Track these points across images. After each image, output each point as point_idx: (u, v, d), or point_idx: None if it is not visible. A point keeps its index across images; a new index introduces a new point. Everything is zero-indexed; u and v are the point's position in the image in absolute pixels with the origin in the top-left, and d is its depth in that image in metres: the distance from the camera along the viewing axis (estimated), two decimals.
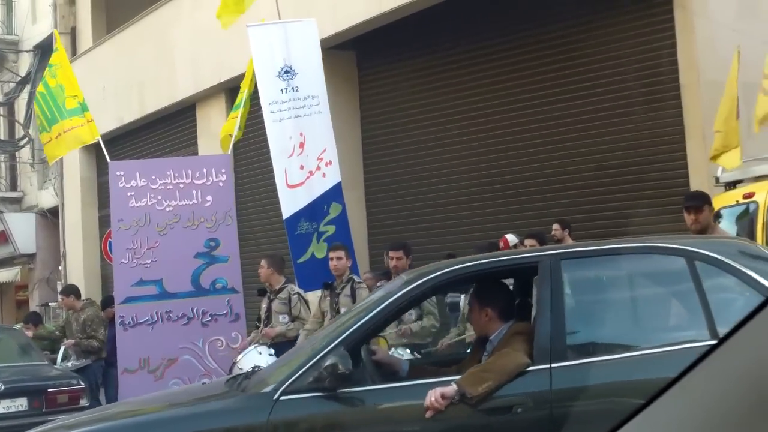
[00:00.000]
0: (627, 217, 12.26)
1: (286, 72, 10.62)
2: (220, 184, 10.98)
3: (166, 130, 20.54)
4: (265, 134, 10.91)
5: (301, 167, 10.49)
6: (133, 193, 10.80)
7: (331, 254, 8.82)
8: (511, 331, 4.96)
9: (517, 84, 13.76)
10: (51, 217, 27.01)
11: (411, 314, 8.10)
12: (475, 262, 5.29)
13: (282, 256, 10.52)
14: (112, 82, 21.30)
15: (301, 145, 10.53)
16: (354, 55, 15.87)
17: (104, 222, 22.31)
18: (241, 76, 16.79)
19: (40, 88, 11.54)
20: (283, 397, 4.60)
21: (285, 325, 9.56)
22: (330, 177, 10.53)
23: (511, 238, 10.55)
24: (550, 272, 4.79)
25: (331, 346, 4.72)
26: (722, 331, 4.35)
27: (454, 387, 4.47)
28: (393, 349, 7.54)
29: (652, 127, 12.19)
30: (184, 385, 9.51)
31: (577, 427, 4.49)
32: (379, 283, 8.90)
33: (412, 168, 14.96)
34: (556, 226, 10.95)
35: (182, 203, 10.86)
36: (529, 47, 13.61)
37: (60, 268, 24.78)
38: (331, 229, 10.50)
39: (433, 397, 4.41)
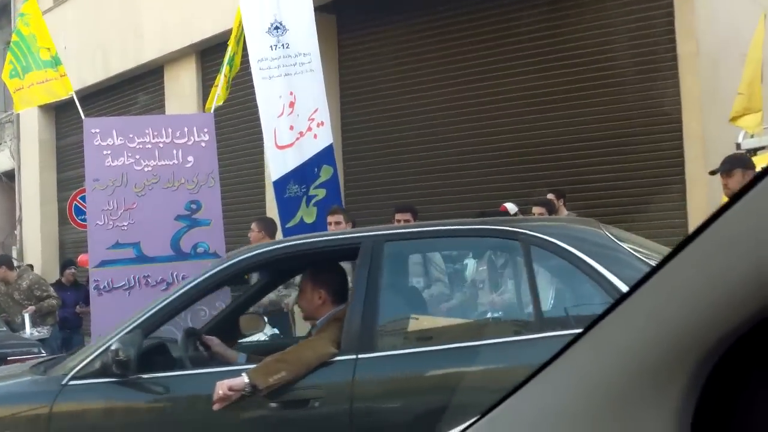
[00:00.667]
0: (620, 188, 11.96)
1: (276, 28, 10.09)
2: (203, 144, 10.41)
3: (131, 93, 19.82)
4: (250, 93, 10.39)
5: (291, 128, 10.00)
6: (109, 152, 10.21)
7: (329, 218, 8.34)
8: (333, 316, 4.67)
9: (505, 51, 13.35)
10: (6, 180, 26.08)
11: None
12: (294, 243, 5.02)
13: (273, 219, 10.00)
14: (75, 43, 20.47)
15: (291, 104, 10.02)
16: (335, 18, 15.32)
17: (64, 186, 21.56)
18: (214, 38, 16.37)
19: (13, 37, 10.84)
20: (71, 382, 4.54)
21: (278, 293, 8.99)
22: (321, 138, 10.04)
23: (511, 206, 10.15)
24: (370, 255, 4.47)
25: (124, 331, 4.63)
26: (551, 321, 4.28)
27: (243, 378, 4.20)
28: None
29: (647, 98, 11.87)
30: None
31: (380, 424, 4.18)
32: None
33: (392, 135, 14.49)
34: (550, 195, 10.57)
35: (162, 163, 10.29)
36: (518, 13, 13.19)
37: (15, 232, 23.95)
38: (321, 193, 10.03)
39: (220, 389, 4.18)
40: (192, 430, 4.50)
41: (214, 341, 5.27)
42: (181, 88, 17.84)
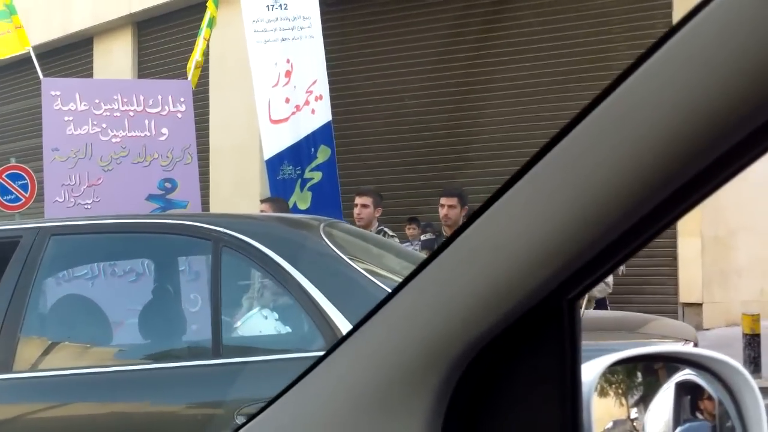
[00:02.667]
0: None
1: None
2: (179, 115, 9.18)
3: (54, 67, 18.08)
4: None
5: (287, 100, 8.86)
6: (71, 119, 8.88)
7: (357, 200, 7.20)
8: None
9: (492, 37, 12.52)
10: None
11: None
12: None
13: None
14: None
15: (288, 74, 8.88)
16: None
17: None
18: (156, 8, 15.00)
19: None
20: None
21: None
22: (320, 114, 8.92)
23: None
24: (28, 251, 3.78)
25: None
26: (232, 343, 3.73)
27: None
28: None
29: None
30: None
31: None
32: (424, 236, 7.37)
33: (374, 113, 13.41)
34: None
35: (132, 134, 9.03)
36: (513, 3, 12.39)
37: None
38: (317, 176, 8.92)
39: None
40: None
41: None
42: (112, 64, 16.39)
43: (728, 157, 0.79)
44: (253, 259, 3.60)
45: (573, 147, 0.85)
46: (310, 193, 8.86)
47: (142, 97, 9.13)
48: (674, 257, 11.71)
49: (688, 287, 11.65)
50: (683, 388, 1.30)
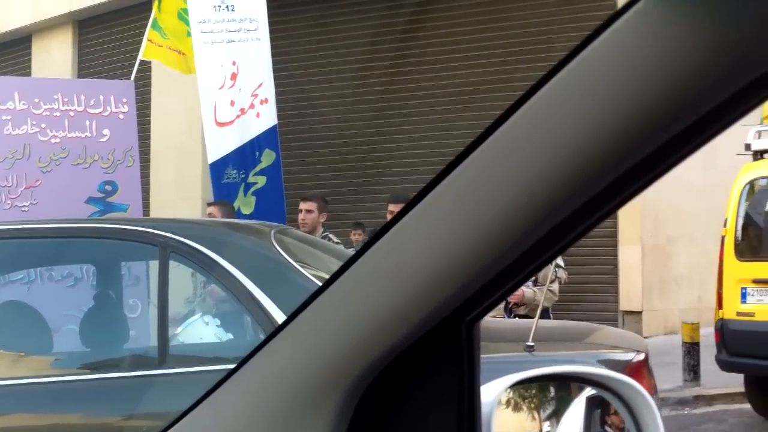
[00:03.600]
0: None
1: None
2: (121, 116, 9.01)
3: None
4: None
5: (232, 103, 8.75)
6: (9, 117, 8.66)
7: (301, 205, 7.13)
8: None
9: (430, 43, 12.50)
10: None
11: None
12: None
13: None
14: None
15: (234, 76, 8.77)
16: None
17: None
18: (98, 7, 14.75)
19: None
20: None
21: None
22: (265, 118, 8.83)
23: None
24: None
25: None
26: (179, 353, 3.68)
27: None
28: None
29: None
30: None
31: None
32: None
33: (321, 117, 13.30)
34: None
35: (72, 135, 8.84)
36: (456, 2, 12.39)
37: None
38: (261, 181, 8.82)
39: None
40: None
41: None
42: (51, 62, 16.05)
43: (619, 182, 0.79)
44: (201, 266, 3.52)
45: (470, 171, 0.84)
46: (254, 198, 8.76)
47: (83, 97, 8.93)
48: (615, 265, 11.83)
49: (628, 295, 11.77)
50: (593, 402, 1.33)
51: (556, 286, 6.59)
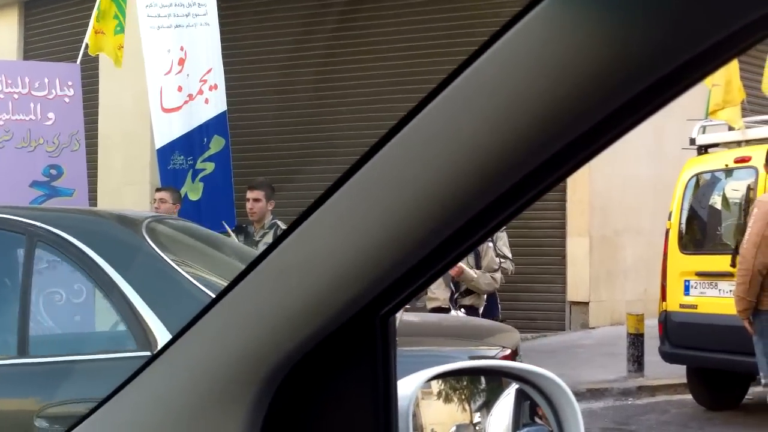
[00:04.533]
0: None
1: None
2: (66, 99, 8.89)
3: None
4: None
5: (180, 89, 8.64)
6: None
7: (249, 194, 7.06)
8: None
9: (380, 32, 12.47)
10: None
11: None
12: None
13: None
14: None
15: (181, 61, 8.66)
16: None
17: None
18: None
19: None
20: None
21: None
22: (214, 104, 8.74)
23: None
24: None
25: None
26: (42, 341, 3.64)
27: None
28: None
29: None
30: None
31: None
32: None
33: (270, 104, 13.20)
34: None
35: (16, 118, 8.72)
36: None
37: None
38: (209, 167, 8.74)
39: None
40: None
41: None
42: None
43: (527, 181, 0.79)
44: (68, 256, 3.45)
45: (378, 167, 0.85)
46: (201, 184, 8.68)
47: (27, 79, 8.80)
48: (563, 256, 11.90)
49: (576, 286, 11.86)
50: (523, 394, 1.35)
51: (499, 276, 6.60)
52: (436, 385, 1.30)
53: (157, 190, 7.77)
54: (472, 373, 1.43)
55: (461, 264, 6.01)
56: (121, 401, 1.11)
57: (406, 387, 1.16)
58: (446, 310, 6.38)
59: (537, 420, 1.37)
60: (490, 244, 6.55)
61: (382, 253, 0.86)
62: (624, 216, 12.01)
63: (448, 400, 1.31)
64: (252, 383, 0.97)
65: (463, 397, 1.35)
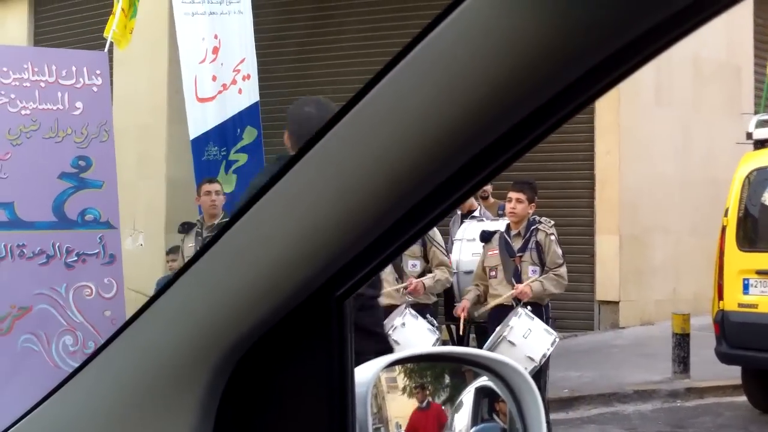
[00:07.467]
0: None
1: None
2: (94, 88, 8.61)
3: None
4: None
5: (214, 78, 8.44)
6: None
7: (206, 186, 7.08)
8: None
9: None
10: None
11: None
12: None
13: None
14: None
15: (215, 50, 8.44)
16: None
17: None
18: None
19: None
20: None
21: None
22: (247, 94, 8.55)
23: None
24: None
25: None
26: None
27: None
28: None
29: None
30: None
31: None
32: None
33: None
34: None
35: (43, 107, 8.42)
36: None
37: None
38: (242, 158, 8.55)
39: None
40: None
41: None
42: (6, 34, 15.43)
43: (478, 161, 0.79)
44: None
45: (333, 145, 0.84)
46: (235, 176, 8.50)
47: (54, 67, 8.51)
48: (592, 255, 11.68)
49: (605, 285, 11.64)
50: (483, 391, 1.38)
51: (564, 270, 6.39)
52: (400, 377, 1.31)
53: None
54: (432, 359, 1.44)
55: (523, 287, 5.85)
56: (76, 385, 1.11)
57: (365, 373, 1.15)
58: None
59: (495, 417, 1.38)
60: (553, 238, 6.34)
61: (335, 233, 0.85)
62: (653, 214, 11.81)
63: (396, 389, 1.31)
64: (207, 364, 0.97)
65: (413, 385, 1.35)
